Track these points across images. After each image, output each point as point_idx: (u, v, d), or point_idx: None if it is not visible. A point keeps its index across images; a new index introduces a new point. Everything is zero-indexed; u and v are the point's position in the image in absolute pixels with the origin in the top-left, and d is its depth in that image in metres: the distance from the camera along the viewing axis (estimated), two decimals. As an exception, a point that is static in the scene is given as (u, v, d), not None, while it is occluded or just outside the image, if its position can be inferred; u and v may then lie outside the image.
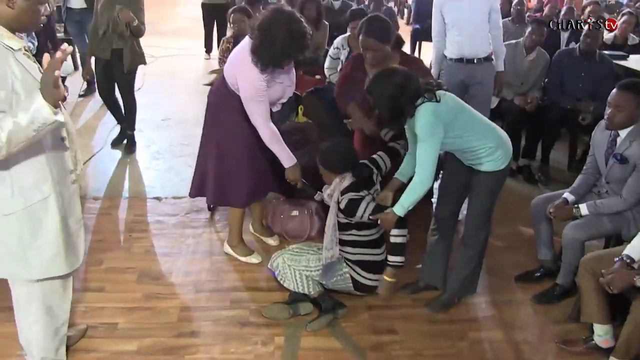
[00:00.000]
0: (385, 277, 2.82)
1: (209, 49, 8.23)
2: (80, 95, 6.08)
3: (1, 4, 1.82)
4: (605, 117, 2.88)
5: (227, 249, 3.41)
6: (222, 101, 3.02)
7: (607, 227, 2.95)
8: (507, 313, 3.05)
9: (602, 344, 2.64)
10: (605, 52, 4.97)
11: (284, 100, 3.10)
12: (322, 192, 3.00)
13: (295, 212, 3.55)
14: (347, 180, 2.82)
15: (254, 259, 3.35)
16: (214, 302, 3.00)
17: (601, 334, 2.64)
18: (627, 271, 2.46)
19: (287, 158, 3.02)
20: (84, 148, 4.82)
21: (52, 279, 2.16)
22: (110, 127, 5.28)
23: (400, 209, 2.65)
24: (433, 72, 4.42)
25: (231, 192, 3.18)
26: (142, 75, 7.07)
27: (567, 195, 3.09)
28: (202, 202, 3.92)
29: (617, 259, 2.53)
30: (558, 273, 3.11)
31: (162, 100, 6.33)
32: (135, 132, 5.09)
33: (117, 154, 4.82)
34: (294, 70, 3.10)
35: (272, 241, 3.56)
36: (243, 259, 3.35)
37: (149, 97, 6.31)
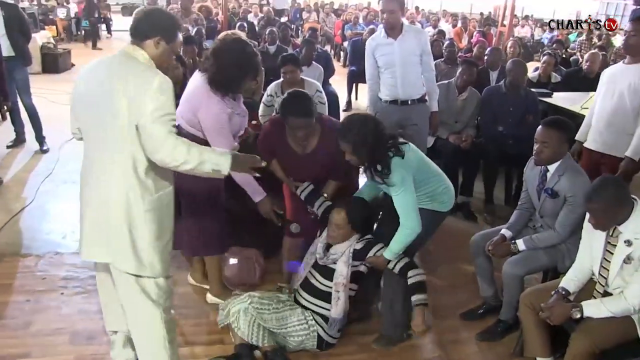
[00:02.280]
0: (414, 327, 2.77)
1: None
2: (8, 146, 5.84)
3: (152, 42, 2.21)
4: (534, 153, 2.98)
5: (212, 299, 3.31)
6: None
7: (544, 261, 3.02)
8: (452, 353, 3.04)
9: (545, 378, 2.66)
10: (532, 89, 5.19)
11: (242, 132, 3.16)
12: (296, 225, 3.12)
13: (234, 260, 3.46)
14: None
15: None
16: None
17: (544, 367, 2.66)
18: (565, 304, 2.52)
19: (256, 193, 3.06)
20: (14, 200, 4.62)
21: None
22: (41, 179, 5.09)
23: (390, 254, 2.76)
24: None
25: (206, 242, 3.16)
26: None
27: (505, 231, 3.15)
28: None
29: (553, 292, 2.59)
30: (501, 308, 3.14)
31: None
32: (69, 183, 4.94)
33: (50, 206, 4.60)
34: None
35: None
36: None
37: (82, 146, 6.04)
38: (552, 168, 2.97)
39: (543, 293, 2.66)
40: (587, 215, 2.57)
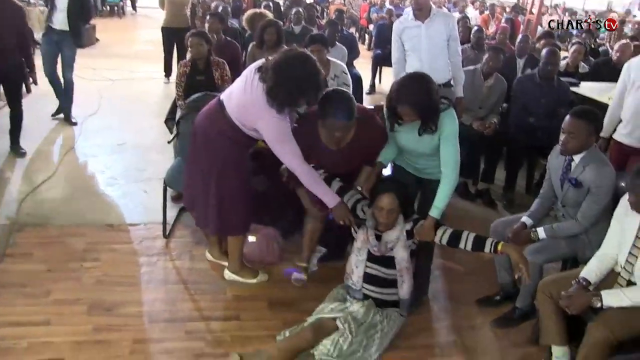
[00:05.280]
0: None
1: (168, 73, 8.11)
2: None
3: None
4: (560, 143, 2.93)
5: (231, 276, 3.33)
6: (217, 127, 2.93)
7: (564, 250, 2.98)
8: (468, 338, 3.03)
9: (560, 366, 2.64)
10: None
11: None
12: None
13: (252, 238, 3.48)
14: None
15: (263, 278, 3.35)
16: (168, 333, 2.88)
17: (559, 355, 2.65)
18: (585, 293, 2.50)
19: (329, 198, 2.91)
20: (36, 172, 4.69)
21: None
22: (63, 152, 5.15)
23: (437, 211, 2.79)
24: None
25: (232, 221, 3.13)
26: (99, 99, 6.97)
27: (525, 219, 3.11)
28: (157, 229, 3.81)
29: (574, 281, 2.56)
30: (517, 296, 3.12)
31: (118, 124, 6.16)
32: (90, 157, 5.04)
33: (70, 179, 4.66)
34: None
35: None
36: (254, 281, 3.33)
37: (105, 120, 6.17)
38: (577, 158, 2.92)
39: (562, 282, 2.63)
40: (622, 200, 2.53)
